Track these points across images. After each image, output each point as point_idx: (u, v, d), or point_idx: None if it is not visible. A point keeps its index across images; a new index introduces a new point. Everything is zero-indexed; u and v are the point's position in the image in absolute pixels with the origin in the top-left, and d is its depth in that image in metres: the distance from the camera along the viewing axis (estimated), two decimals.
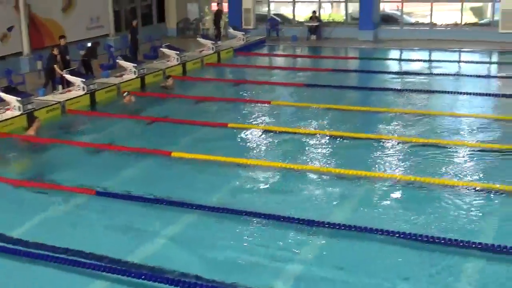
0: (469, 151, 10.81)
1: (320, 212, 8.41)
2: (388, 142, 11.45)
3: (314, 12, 26.14)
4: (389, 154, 10.84)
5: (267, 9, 28.04)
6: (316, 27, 25.62)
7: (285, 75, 18.82)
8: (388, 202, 8.78)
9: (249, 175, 10.08)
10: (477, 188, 9.03)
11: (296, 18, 27.77)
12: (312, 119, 13.12)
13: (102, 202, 9.09)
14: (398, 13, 26.68)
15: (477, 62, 20.11)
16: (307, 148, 11.33)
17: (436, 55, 21.61)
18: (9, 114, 13.12)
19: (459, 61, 21.15)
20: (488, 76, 17.92)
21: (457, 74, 18.26)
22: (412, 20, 28.00)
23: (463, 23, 25.45)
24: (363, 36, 24.87)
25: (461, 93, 15.20)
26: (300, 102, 14.83)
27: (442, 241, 7.38)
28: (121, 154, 11.22)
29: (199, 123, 13.02)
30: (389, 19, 27.17)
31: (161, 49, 19.38)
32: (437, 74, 18.05)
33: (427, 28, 25.61)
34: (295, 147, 11.38)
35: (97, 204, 9.04)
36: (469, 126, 12.37)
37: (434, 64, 20.22)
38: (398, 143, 11.33)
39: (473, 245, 7.27)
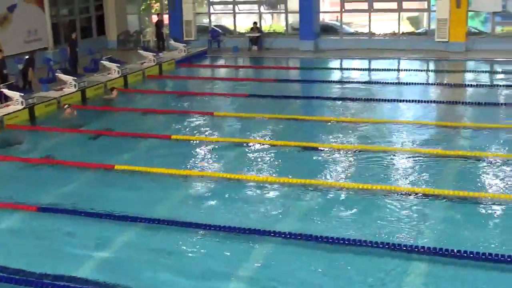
0: (409, 157, 11.02)
1: (266, 222, 8.42)
2: (331, 150, 11.57)
3: (255, 23, 26.29)
4: (333, 162, 10.95)
5: (208, 20, 28.05)
6: (257, 38, 25.77)
7: (228, 86, 18.84)
8: (333, 210, 8.84)
9: (194, 186, 10.03)
10: (417, 193, 9.19)
11: (237, 29, 27.86)
12: (255, 129, 13.15)
13: (43, 218, 8.88)
14: (338, 23, 27.07)
15: (415, 70, 20.54)
16: (251, 158, 11.34)
17: (375, 64, 21.99)
18: None
19: (397, 70, 21.57)
20: (425, 84, 18.34)
21: (396, 83, 18.63)
22: (352, 30, 28.46)
23: (400, 32, 26.01)
24: (304, 46, 25.13)
25: (400, 100, 15.50)
26: (243, 112, 14.85)
27: (386, 246, 7.47)
28: (62, 169, 11.00)
29: (142, 135, 12.90)
30: (329, 29, 27.55)
31: (102, 61, 19.12)
32: (377, 83, 18.36)
33: (366, 38, 26.07)
34: (239, 158, 11.37)
35: (38, 220, 8.82)
36: (409, 133, 12.61)
37: (373, 72, 20.58)
38: (341, 151, 11.46)
39: (417, 249, 7.39)
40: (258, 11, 27.61)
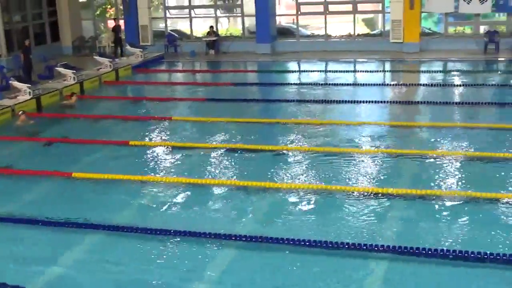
0: (367, 157, 11.15)
1: (229, 225, 8.42)
2: (290, 152, 11.63)
3: (211, 27, 26.27)
4: (292, 164, 11.01)
5: (164, 25, 27.94)
6: (214, 41, 25.76)
7: (186, 91, 18.79)
8: (294, 211, 8.89)
9: (154, 192, 9.96)
10: (376, 193, 9.30)
11: (194, 34, 27.82)
12: (215, 133, 13.14)
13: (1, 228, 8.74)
14: (294, 26, 27.24)
15: (371, 71, 20.82)
16: (211, 162, 11.32)
17: (332, 66, 22.18)
18: None
19: (354, 71, 21.82)
20: (382, 85, 18.59)
21: (353, 84, 18.86)
22: (308, 32, 28.69)
23: (356, 34, 26.31)
24: (261, 50, 25.22)
25: (357, 101, 15.67)
26: (202, 116, 14.82)
27: (346, 246, 7.54)
28: (19, 178, 10.83)
29: (100, 142, 12.77)
30: (285, 32, 27.71)
31: (57, 68, 18.88)
32: (334, 84, 18.52)
33: (322, 40, 26.29)
34: (198, 162, 11.35)
35: None
36: (366, 133, 12.76)
37: (330, 74, 20.77)
38: (300, 152, 11.53)
39: (377, 248, 7.48)
40: (214, 15, 27.61)
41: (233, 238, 7.98)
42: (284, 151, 11.72)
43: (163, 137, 13.18)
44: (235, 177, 10.43)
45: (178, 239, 8.10)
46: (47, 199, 9.95)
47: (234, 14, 29.05)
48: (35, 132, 13.91)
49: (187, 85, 19.78)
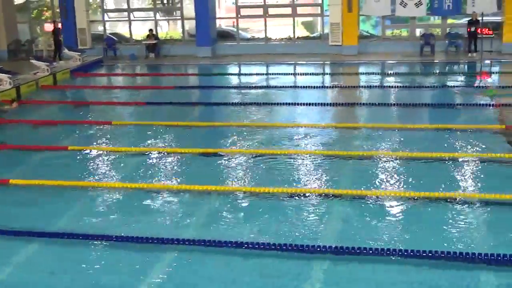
0: (309, 158, 11.24)
1: (170, 229, 8.35)
2: (232, 155, 11.63)
3: (151, 30, 26.11)
4: (235, 167, 11.02)
5: (103, 28, 27.60)
6: (154, 45, 25.62)
7: (126, 95, 18.59)
8: (236, 214, 8.88)
9: (94, 197, 9.80)
10: (318, 194, 9.39)
11: (134, 37, 27.59)
12: (156, 137, 13.04)
13: None
14: (234, 29, 27.33)
15: (311, 74, 21.04)
16: (152, 166, 11.23)
17: (273, 69, 22.34)
18: None
19: (294, 74, 22.03)
20: (322, 87, 18.80)
21: (293, 86, 19.03)
22: (248, 35, 28.83)
23: (296, 37, 26.57)
24: (202, 53, 25.22)
25: (298, 104, 15.81)
26: (143, 120, 14.69)
27: (289, 248, 7.59)
28: None
29: (38, 147, 12.50)
30: (225, 35, 27.79)
31: None
32: (275, 87, 18.66)
33: (263, 43, 26.48)
34: (139, 166, 11.22)
35: None
36: (307, 135, 12.88)
37: (271, 77, 20.91)
38: (242, 155, 11.54)
39: (318, 249, 7.54)
40: (153, 18, 27.43)
41: (175, 242, 7.92)
42: (226, 154, 11.71)
43: (103, 142, 12.99)
44: (176, 180, 10.36)
45: (119, 244, 7.98)
46: None
47: (174, 17, 28.95)
48: None
49: (127, 89, 19.58)
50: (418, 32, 26.07)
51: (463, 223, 8.23)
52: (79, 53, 23.19)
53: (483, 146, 11.52)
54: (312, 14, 28.49)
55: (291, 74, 21.90)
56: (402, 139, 12.32)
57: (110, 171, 11.16)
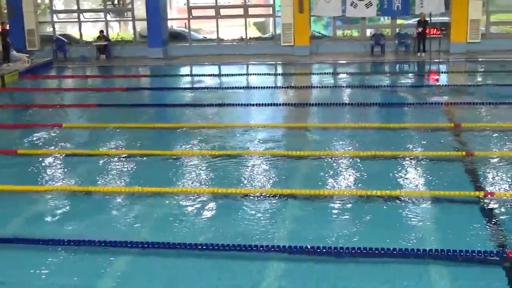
0: (262, 159, 11.28)
1: (124, 232, 8.27)
2: (186, 156, 11.59)
3: (101, 31, 25.85)
4: (188, 168, 10.96)
5: (52, 29, 27.18)
6: (105, 46, 25.37)
7: (77, 97, 18.36)
8: (191, 216, 8.85)
9: (45, 202, 9.63)
10: (272, 194, 9.42)
11: (84, 38, 27.24)
12: (108, 140, 12.89)
13: None
14: (186, 30, 27.25)
15: (263, 74, 21.14)
16: (105, 169, 11.09)
17: (225, 69, 22.35)
18: None
19: (247, 74, 22.08)
20: (274, 87, 18.90)
21: (246, 87, 19.08)
22: (200, 36, 28.79)
23: (248, 38, 26.64)
24: (153, 54, 25.08)
25: (251, 104, 15.85)
26: (94, 123, 14.52)
27: (244, 248, 7.60)
28: None
29: None
30: (177, 36, 27.69)
31: None
32: (228, 88, 18.67)
33: (215, 44, 26.47)
34: (91, 169, 11.08)
35: None
36: (261, 135, 12.90)
37: (224, 78, 20.91)
38: (196, 157, 11.51)
39: (273, 249, 7.57)
40: (104, 19, 27.14)
41: (129, 245, 7.85)
42: (180, 156, 11.67)
43: (54, 145, 12.78)
44: (130, 183, 10.27)
45: (73, 248, 7.86)
46: None
47: (125, 18, 28.72)
48: None
49: (78, 91, 19.34)
50: (368, 32, 26.44)
51: (414, 220, 8.37)
52: (28, 55, 22.80)
53: (433, 144, 11.75)
54: (264, 15, 28.61)
55: (244, 74, 21.95)
56: (353, 138, 12.46)
57: (61, 175, 10.99)
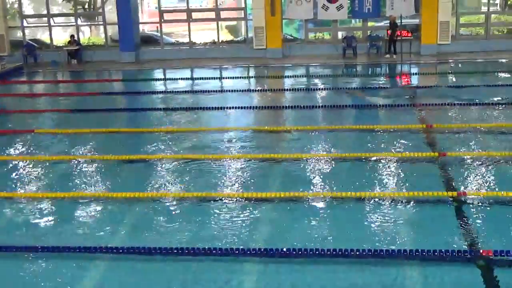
0: (237, 163, 11.28)
1: (99, 238, 8.21)
2: (160, 160, 11.54)
3: (72, 36, 25.64)
4: (163, 173, 10.91)
5: (22, 34, 26.90)
6: (76, 51, 25.16)
7: (48, 102, 18.18)
8: (164, 220, 8.79)
9: (18, 209, 9.50)
10: (247, 198, 9.41)
11: (55, 43, 27.00)
12: (81, 145, 12.77)
13: None
14: (158, 34, 27.16)
15: (236, 78, 21.14)
16: (78, 174, 10.99)
17: (198, 73, 22.31)
18: None
19: (220, 78, 22.07)
20: (247, 91, 18.90)
21: (219, 90, 19.08)
22: (172, 40, 28.73)
23: (220, 41, 26.62)
24: (125, 58, 24.96)
25: (224, 108, 15.83)
26: (67, 128, 14.38)
27: (219, 252, 7.58)
28: None
29: None
30: (149, 40, 27.61)
31: None
32: (201, 91, 18.66)
33: (187, 47, 26.41)
34: (64, 175, 10.98)
35: None
36: (235, 139, 12.90)
37: (197, 81, 20.89)
38: (170, 161, 11.46)
39: (248, 252, 7.57)
40: (75, 23, 26.94)
41: (104, 251, 7.78)
42: (154, 160, 11.61)
43: (26, 151, 12.64)
44: (103, 188, 10.20)
45: (45, 255, 7.78)
46: None
47: (96, 23, 28.53)
48: None
49: (50, 96, 19.14)
50: (340, 35, 26.60)
51: (387, 221, 8.42)
52: None
53: (405, 146, 11.85)
54: (236, 18, 28.63)
55: (216, 78, 21.94)
56: (327, 140, 12.52)
57: (33, 181, 10.85)
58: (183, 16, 26.34)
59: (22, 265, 7.60)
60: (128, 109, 16.67)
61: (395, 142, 12.15)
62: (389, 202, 9.02)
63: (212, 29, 26.91)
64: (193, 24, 26.44)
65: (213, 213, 8.91)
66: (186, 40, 27.00)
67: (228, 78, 21.55)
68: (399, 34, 23.83)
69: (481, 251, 7.30)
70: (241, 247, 7.70)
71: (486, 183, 9.70)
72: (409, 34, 24.95)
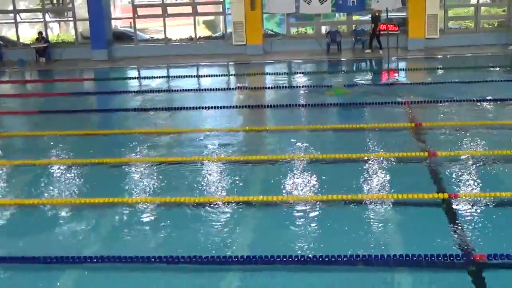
0: (216, 165, 11.24)
1: (71, 247, 8.13)
2: (135, 164, 11.46)
3: (40, 33, 25.46)
4: (138, 177, 10.84)
5: None
6: (45, 48, 24.98)
7: (15, 103, 18.01)
8: (140, 227, 8.73)
9: None
10: (228, 202, 9.38)
11: (21, 40, 26.77)
12: (51, 148, 12.68)
13: None
14: (132, 30, 27.03)
15: (215, 76, 21.08)
16: (47, 179, 10.89)
17: (174, 71, 22.23)
18: None
19: (197, 76, 21.99)
20: (227, 89, 18.86)
21: (197, 89, 19.01)
22: (147, 36, 28.61)
23: (197, 37, 26.56)
24: (97, 56, 24.82)
25: (202, 107, 15.77)
26: (35, 131, 14.26)
27: (199, 259, 7.54)
28: None
29: None
30: (122, 37, 27.46)
31: None
32: (178, 90, 18.58)
33: (163, 44, 26.33)
34: (35, 181, 10.86)
35: None
36: (214, 140, 12.85)
37: (173, 79, 20.80)
38: (145, 164, 11.39)
39: (230, 259, 7.53)
40: (42, 19, 26.73)
41: (78, 260, 7.71)
42: (128, 163, 11.53)
43: None
44: (76, 194, 10.11)
45: (15, 266, 7.70)
46: None
47: (65, 19, 28.33)
48: None
49: (17, 97, 18.98)
50: (324, 29, 26.65)
51: (377, 225, 8.43)
52: None
53: (394, 145, 11.87)
54: (214, 13, 28.57)
55: (194, 76, 21.86)
56: (312, 140, 12.51)
57: (0, 187, 10.76)
58: (158, 11, 26.25)
59: None
60: (100, 110, 16.55)
61: (383, 142, 12.15)
62: (377, 205, 9.03)
63: (188, 25, 26.82)
64: (168, 19, 26.35)
65: (192, 219, 8.87)
66: (161, 36, 26.90)
67: (206, 76, 21.49)
68: (381, 28, 23.89)
69: (473, 255, 7.32)
70: (223, 254, 7.66)
71: (477, 183, 9.74)
72: (396, 29, 25.03)
